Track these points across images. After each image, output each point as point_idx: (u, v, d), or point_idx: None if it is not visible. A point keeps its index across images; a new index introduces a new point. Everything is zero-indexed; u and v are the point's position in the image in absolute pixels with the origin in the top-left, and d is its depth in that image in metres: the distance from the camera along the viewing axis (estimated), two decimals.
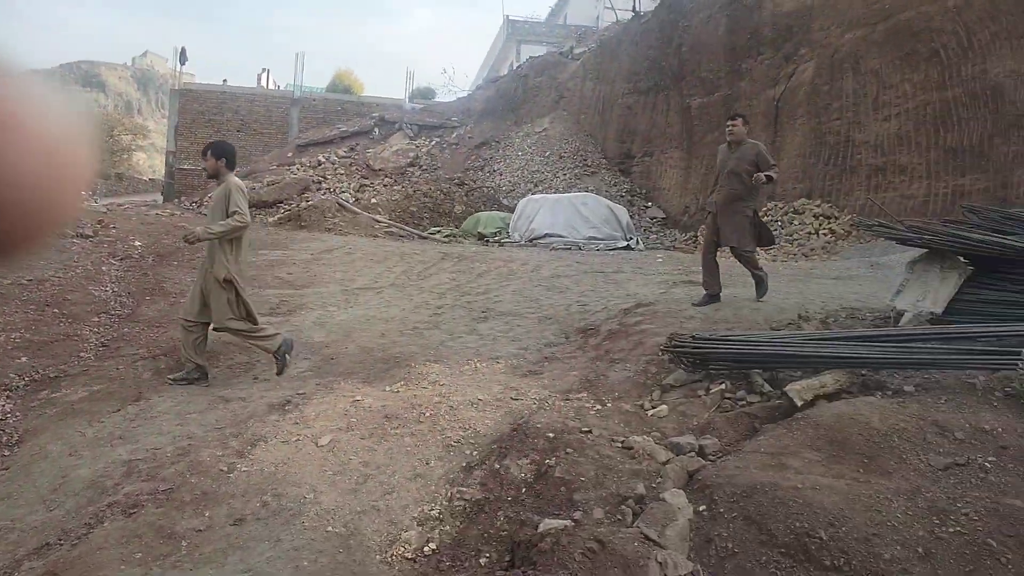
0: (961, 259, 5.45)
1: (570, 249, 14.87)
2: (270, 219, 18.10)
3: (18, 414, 5.00)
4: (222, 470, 4.12)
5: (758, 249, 7.70)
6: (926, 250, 5.61)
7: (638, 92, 23.51)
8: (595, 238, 15.87)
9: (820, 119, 16.67)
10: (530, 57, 30.80)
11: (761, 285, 7.14)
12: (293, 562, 3.37)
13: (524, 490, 3.85)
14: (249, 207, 18.40)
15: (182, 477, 4.03)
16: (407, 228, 17.29)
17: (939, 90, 14.05)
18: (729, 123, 7.19)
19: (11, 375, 5.71)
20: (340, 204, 18.19)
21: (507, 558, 3.36)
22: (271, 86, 37.27)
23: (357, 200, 20.08)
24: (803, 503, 3.35)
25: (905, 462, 3.63)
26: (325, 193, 20.67)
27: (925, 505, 3.28)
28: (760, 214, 7.39)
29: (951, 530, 3.12)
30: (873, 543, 3.09)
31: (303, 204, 18.66)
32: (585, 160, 23.12)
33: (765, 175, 6.83)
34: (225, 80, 32.18)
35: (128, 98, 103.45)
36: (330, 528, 3.65)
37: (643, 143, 23.22)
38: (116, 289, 8.20)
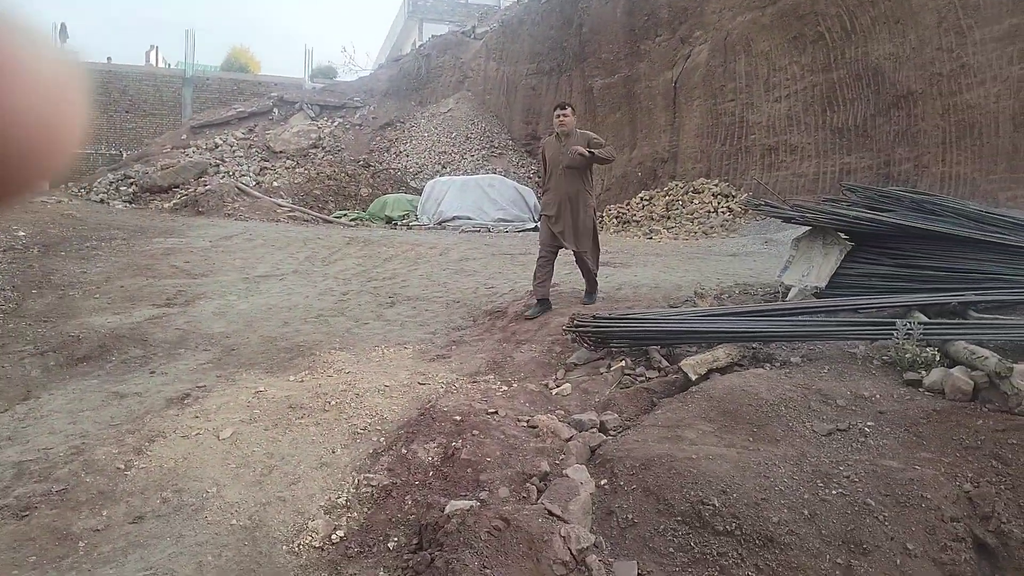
0: (841, 235, 5.79)
1: (479, 231, 14.92)
2: (165, 205, 17.36)
3: None
4: (119, 468, 3.98)
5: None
6: (810, 227, 5.93)
7: (541, 73, 23.67)
8: (503, 220, 15.97)
9: (716, 100, 17.23)
10: (432, 36, 30.49)
11: (592, 296, 6.73)
12: (196, 558, 3.31)
13: (431, 473, 3.89)
14: (143, 192, 17.51)
15: (77, 477, 3.87)
16: (311, 212, 16.92)
17: (825, 72, 14.76)
18: (559, 112, 6.48)
19: None
20: (240, 188, 17.61)
21: (415, 541, 3.39)
22: (160, 64, 35.53)
23: (258, 184, 19.50)
24: (697, 473, 3.51)
25: (791, 430, 3.86)
26: (224, 177, 19.95)
27: (810, 469, 3.50)
28: (598, 211, 6.98)
29: (834, 492, 3.34)
30: (762, 507, 3.28)
31: (200, 189, 17.97)
32: (492, 141, 23.15)
33: (589, 150, 6.33)
34: (109, 58, 30.40)
35: None
36: (234, 521, 3.60)
37: (548, 124, 23.27)
38: None
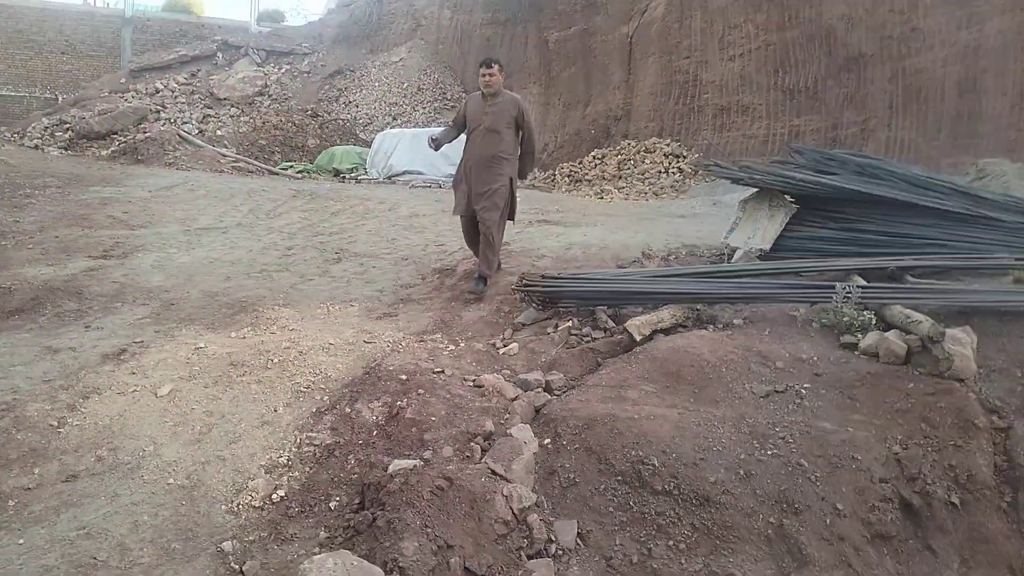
0: (787, 198, 5.86)
1: (430, 187, 14.71)
2: (103, 152, 16.68)
3: None
4: (51, 425, 3.87)
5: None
6: (756, 189, 5.99)
7: (496, 23, 23.22)
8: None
9: (671, 57, 17.17)
10: None
11: (481, 284, 6.02)
12: (131, 517, 3.25)
13: (375, 433, 3.87)
14: (79, 138, 16.79)
15: (7, 434, 3.75)
16: (256, 163, 16.45)
17: (779, 31, 14.80)
18: (485, 70, 6.01)
19: None
20: (181, 136, 17.01)
21: (357, 501, 3.38)
22: (99, 3, 33.82)
23: (201, 132, 18.86)
24: (638, 433, 3.56)
25: (731, 391, 3.94)
26: (164, 124, 19.22)
27: (747, 430, 3.58)
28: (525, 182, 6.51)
29: (769, 452, 3.43)
30: (700, 467, 3.35)
31: (140, 136, 17.27)
32: (444, 93, 22.75)
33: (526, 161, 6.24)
34: None
35: None
36: (171, 480, 3.53)
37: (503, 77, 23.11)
38: None
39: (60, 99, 23.62)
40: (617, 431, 3.58)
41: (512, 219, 6.33)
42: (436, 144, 6.20)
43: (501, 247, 6.34)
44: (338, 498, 3.45)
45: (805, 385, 3.94)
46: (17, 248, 7.31)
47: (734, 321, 4.72)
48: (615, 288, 5.08)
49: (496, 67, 6.01)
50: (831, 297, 4.59)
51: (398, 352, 4.79)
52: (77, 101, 21.47)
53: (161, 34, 26.89)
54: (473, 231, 6.21)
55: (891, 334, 4.06)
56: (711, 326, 4.69)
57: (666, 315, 4.68)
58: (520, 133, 6.14)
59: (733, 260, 5.74)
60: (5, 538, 3.08)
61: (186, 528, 3.24)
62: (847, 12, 13.36)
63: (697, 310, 4.84)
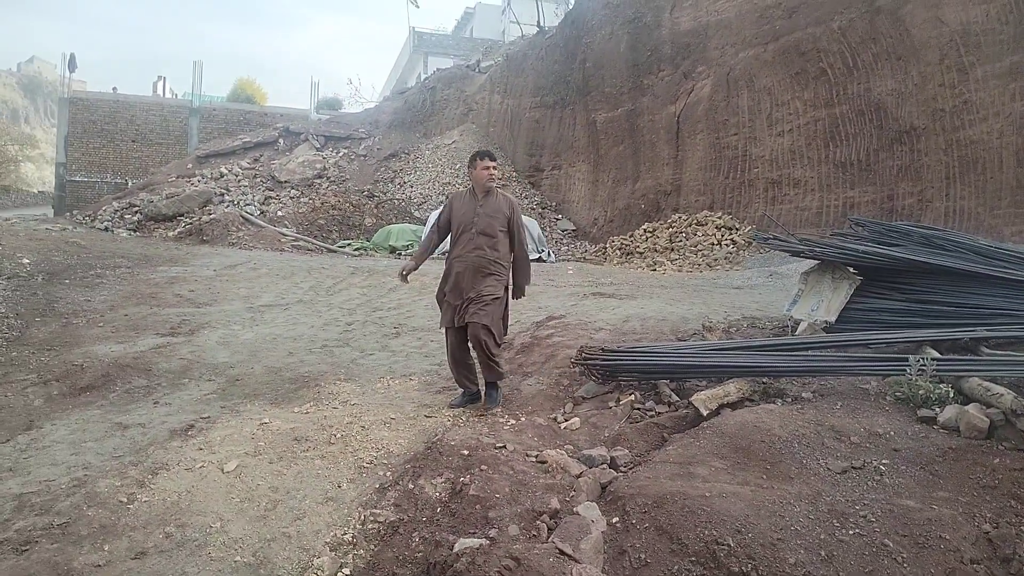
0: (851, 270, 5.76)
1: None
2: (170, 233, 17.40)
3: None
4: (121, 501, 3.92)
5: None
6: (818, 261, 5.91)
7: (545, 106, 23.88)
8: None
9: (719, 134, 17.35)
10: (437, 69, 30.87)
11: (494, 394, 5.31)
12: None
13: (439, 510, 3.82)
14: (147, 220, 17.63)
15: (78, 510, 3.80)
16: (315, 241, 16.94)
17: (827, 107, 14.88)
18: (487, 163, 5.25)
19: None
20: (244, 217, 17.67)
21: None
22: (167, 95, 35.90)
23: (263, 213, 19.57)
24: (711, 511, 3.44)
25: (805, 467, 3.80)
26: (228, 206, 20.04)
27: (826, 508, 3.43)
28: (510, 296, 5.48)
29: (851, 532, 3.27)
30: (778, 548, 3.21)
31: (205, 217, 18.04)
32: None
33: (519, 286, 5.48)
34: (115, 88, 30.80)
35: (13, 106, 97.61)
36: (238, 558, 3.52)
37: (551, 156, 23.59)
38: (3, 310, 7.69)
39: (130, 184, 24.87)
40: (689, 509, 3.47)
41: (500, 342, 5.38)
42: (415, 263, 5.55)
43: (503, 350, 5.49)
44: None
45: (884, 461, 3.78)
46: (88, 326, 7.58)
47: (803, 395, 4.61)
48: (677, 361, 5.01)
49: (497, 160, 5.42)
50: (903, 370, 4.45)
51: (459, 427, 4.78)
52: (146, 186, 22.56)
53: (226, 122, 28.32)
54: (461, 348, 5.30)
55: (971, 407, 3.90)
56: (779, 400, 4.57)
57: (732, 389, 4.58)
58: (511, 239, 5.33)
59: (797, 332, 5.63)
60: None
61: None
62: (896, 87, 13.39)
63: (763, 383, 4.73)
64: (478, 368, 5.39)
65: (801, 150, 15.41)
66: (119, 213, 20.04)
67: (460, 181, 22.75)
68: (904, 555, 3.17)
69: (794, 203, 15.46)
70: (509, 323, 5.60)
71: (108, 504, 3.90)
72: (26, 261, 10.45)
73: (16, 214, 24.72)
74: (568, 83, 22.87)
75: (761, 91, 16.32)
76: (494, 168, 5.28)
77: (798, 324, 5.76)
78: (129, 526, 3.75)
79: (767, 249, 14.71)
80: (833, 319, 5.52)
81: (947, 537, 3.21)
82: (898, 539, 3.25)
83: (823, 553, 3.22)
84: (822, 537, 3.29)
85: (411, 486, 4.02)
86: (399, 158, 24.64)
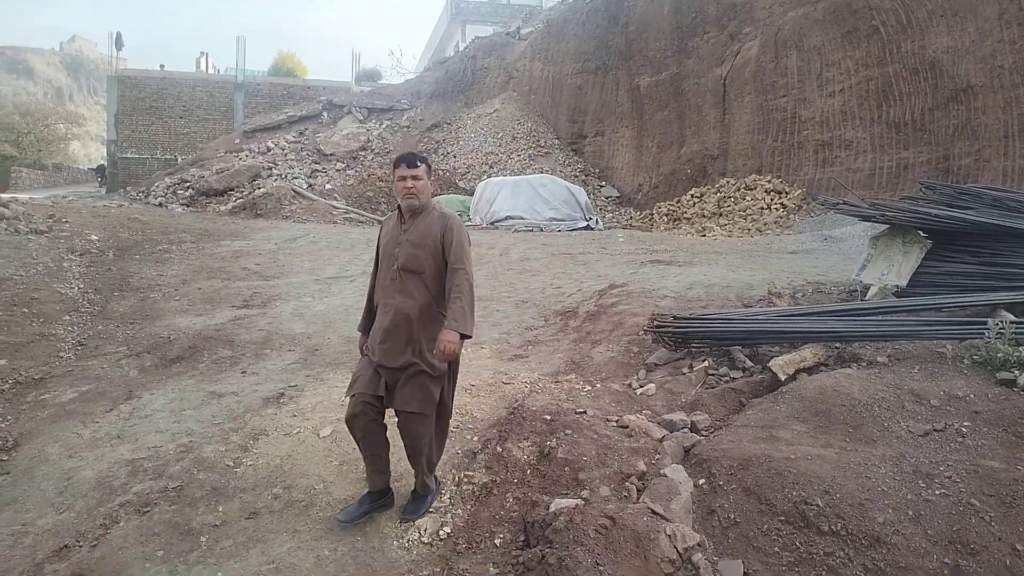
0: (921, 233, 5.74)
1: (532, 231, 15.01)
2: (222, 208, 17.79)
3: (9, 418, 4.93)
4: (228, 465, 4.16)
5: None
6: (888, 225, 5.90)
7: (587, 72, 23.68)
8: (556, 219, 16.05)
9: (767, 96, 17.08)
10: (476, 37, 30.71)
11: (420, 501, 3.79)
12: (314, 552, 3.45)
13: (529, 472, 3.99)
14: (199, 195, 17.93)
15: (189, 474, 4.06)
16: (366, 214, 17.19)
17: (880, 66, 14.55)
18: (404, 171, 3.64)
19: None
20: (296, 191, 17.97)
21: (521, 538, 3.49)
22: (211, 70, 36.33)
23: (311, 186, 19.86)
24: (797, 473, 3.55)
25: (887, 430, 3.88)
26: (277, 179, 20.37)
27: (910, 470, 3.52)
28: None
29: (937, 492, 3.36)
30: (867, 507, 3.31)
31: (256, 191, 18.38)
32: (538, 141, 23.24)
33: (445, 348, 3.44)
34: (162, 65, 31.29)
35: (58, 85, 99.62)
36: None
37: (594, 122, 23.45)
38: (82, 286, 8.03)
39: (179, 160, 25.38)
40: (775, 471, 3.58)
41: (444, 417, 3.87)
42: (361, 333, 4.02)
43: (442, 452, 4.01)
44: (502, 535, 3.56)
45: (965, 423, 3.84)
46: (166, 300, 7.88)
47: (878, 359, 4.66)
48: (750, 327, 5.09)
49: (422, 167, 3.65)
50: (979, 333, 4.47)
51: (537, 392, 4.93)
52: (195, 161, 23.01)
53: (270, 96, 28.64)
54: (372, 425, 3.62)
55: None
56: (855, 365, 4.63)
57: (808, 354, 4.65)
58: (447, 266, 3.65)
59: (867, 297, 5.66)
60: (204, 572, 3.33)
61: (364, 563, 3.42)
62: (952, 44, 13.04)
63: (837, 348, 4.79)
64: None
65: (853, 111, 15.13)
66: (171, 189, 20.51)
67: (503, 150, 22.77)
68: (991, 514, 3.25)
69: (845, 165, 15.22)
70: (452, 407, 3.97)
71: (216, 468, 4.15)
72: (94, 238, 10.82)
73: (70, 191, 25.44)
74: (610, 48, 22.63)
75: (811, 51, 16.01)
76: (412, 177, 3.62)
77: (867, 289, 5.78)
78: (239, 488, 4.00)
79: (818, 212, 14.56)
80: (904, 283, 5.53)
81: None
82: (984, 498, 3.33)
83: (911, 512, 3.31)
84: (909, 497, 3.39)
85: (499, 449, 4.20)
86: (441, 128, 24.73)
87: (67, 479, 4.11)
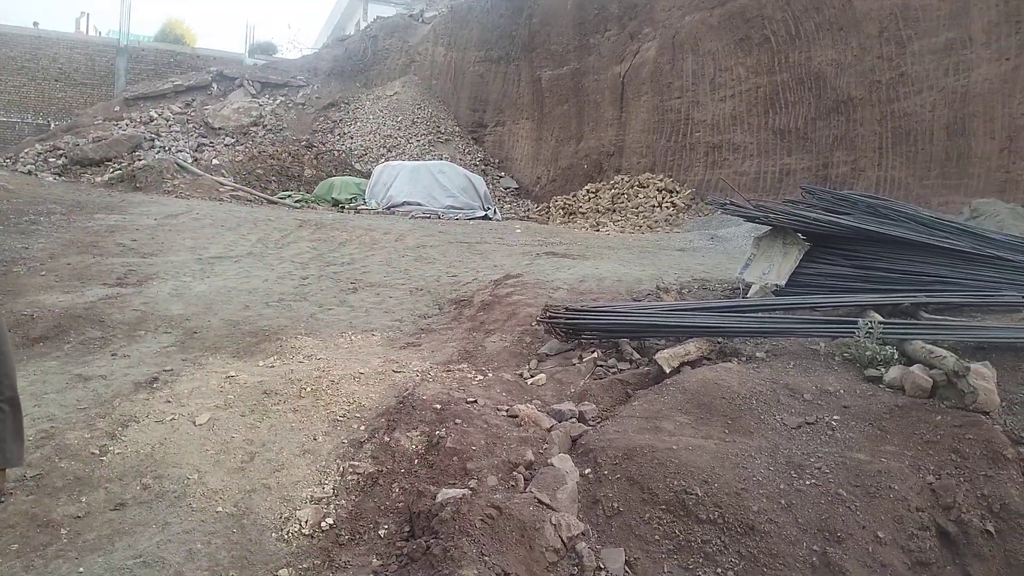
0: (800, 236, 6.03)
1: (429, 218, 14.85)
2: (98, 179, 16.71)
3: None
4: (93, 453, 3.90)
5: None
6: (770, 227, 6.16)
7: (490, 60, 23.62)
8: (453, 207, 15.94)
9: (663, 97, 17.54)
10: (378, 17, 29.98)
11: None
12: (185, 545, 3.28)
13: (416, 461, 3.93)
14: (73, 164, 16.61)
15: (50, 462, 3.77)
16: (255, 192, 16.52)
17: (769, 74, 15.20)
18: None
19: None
20: (179, 164, 17.06)
21: (406, 529, 3.43)
22: (91, 32, 33.97)
23: (196, 161, 18.92)
24: (679, 463, 3.65)
25: (763, 422, 4.05)
26: (159, 151, 19.30)
27: (784, 461, 3.69)
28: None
29: (807, 483, 3.53)
30: (742, 496, 3.44)
31: (136, 163, 17.32)
32: (438, 127, 23.01)
33: None
34: (36, 23, 28.99)
35: None
36: (220, 508, 3.57)
37: (495, 112, 23.44)
38: None
39: (53, 126, 23.63)
40: (658, 461, 3.67)
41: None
42: None
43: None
44: (386, 526, 3.50)
45: (835, 417, 4.06)
46: (31, 275, 7.31)
47: (756, 354, 4.85)
48: (638, 321, 5.20)
49: None
50: (850, 332, 4.73)
51: (428, 382, 4.86)
52: (70, 128, 21.49)
53: (155, 64, 27.07)
54: None
55: (916, 368, 4.20)
56: (735, 359, 4.81)
57: (692, 348, 4.79)
58: None
59: (748, 295, 5.89)
60: (64, 566, 3.10)
61: (240, 556, 3.28)
62: (836, 58, 13.76)
63: (719, 343, 4.96)
64: None
65: (742, 116, 15.75)
66: (42, 156, 19.08)
67: (402, 134, 22.41)
68: (857, 503, 3.45)
69: (733, 167, 15.84)
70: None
71: (80, 456, 3.88)
72: None
73: None
74: (514, 38, 22.65)
75: (705, 55, 16.54)
76: None
77: (749, 287, 6.02)
78: (104, 478, 3.75)
79: (705, 212, 15.10)
80: (783, 282, 5.79)
81: (895, 487, 3.50)
82: (851, 489, 3.53)
83: (783, 502, 3.47)
84: (782, 487, 3.55)
85: (387, 439, 4.11)
86: (339, 108, 24.08)
87: None
